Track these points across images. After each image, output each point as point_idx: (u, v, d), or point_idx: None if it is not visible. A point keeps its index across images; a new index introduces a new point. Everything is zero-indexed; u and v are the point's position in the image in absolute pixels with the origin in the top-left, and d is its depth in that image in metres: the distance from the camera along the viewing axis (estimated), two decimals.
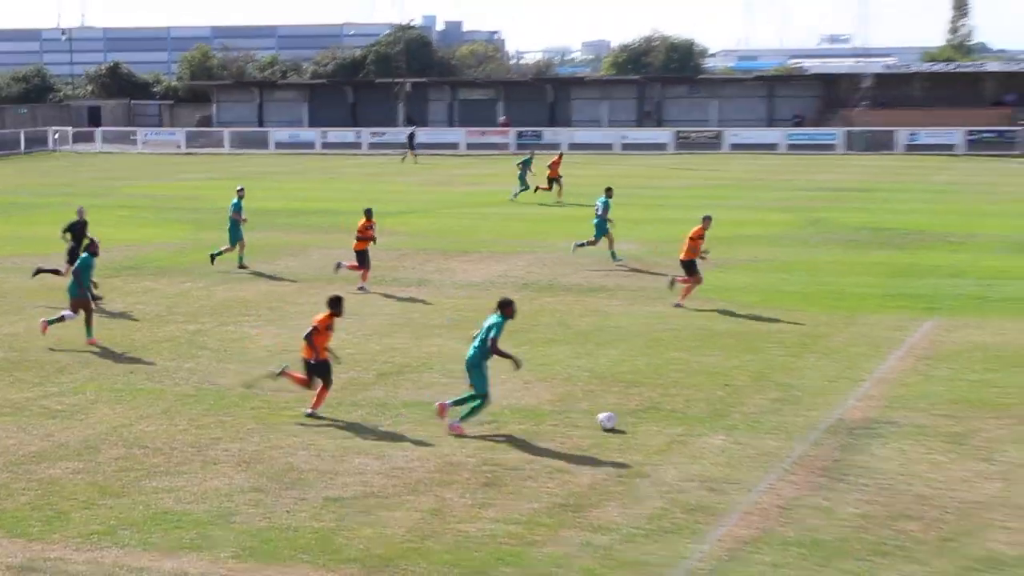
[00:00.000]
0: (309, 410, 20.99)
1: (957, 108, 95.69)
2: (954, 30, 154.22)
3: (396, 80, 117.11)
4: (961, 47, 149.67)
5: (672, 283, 31.34)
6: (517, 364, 20.24)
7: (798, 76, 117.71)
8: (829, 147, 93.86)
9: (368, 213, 34.15)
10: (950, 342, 26.64)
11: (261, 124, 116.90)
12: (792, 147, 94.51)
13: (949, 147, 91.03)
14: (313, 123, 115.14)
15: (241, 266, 36.86)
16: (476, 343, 20.01)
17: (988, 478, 17.73)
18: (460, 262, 33.88)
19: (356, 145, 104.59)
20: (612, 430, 19.93)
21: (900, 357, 25.30)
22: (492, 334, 19.76)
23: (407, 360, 25.14)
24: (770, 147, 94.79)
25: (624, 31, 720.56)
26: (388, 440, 19.69)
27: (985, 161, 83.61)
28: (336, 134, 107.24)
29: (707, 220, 31.11)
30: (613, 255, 37.86)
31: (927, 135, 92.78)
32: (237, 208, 36.96)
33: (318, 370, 20.93)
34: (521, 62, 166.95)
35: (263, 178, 74.16)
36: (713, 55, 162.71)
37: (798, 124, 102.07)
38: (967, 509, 16.47)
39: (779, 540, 15.37)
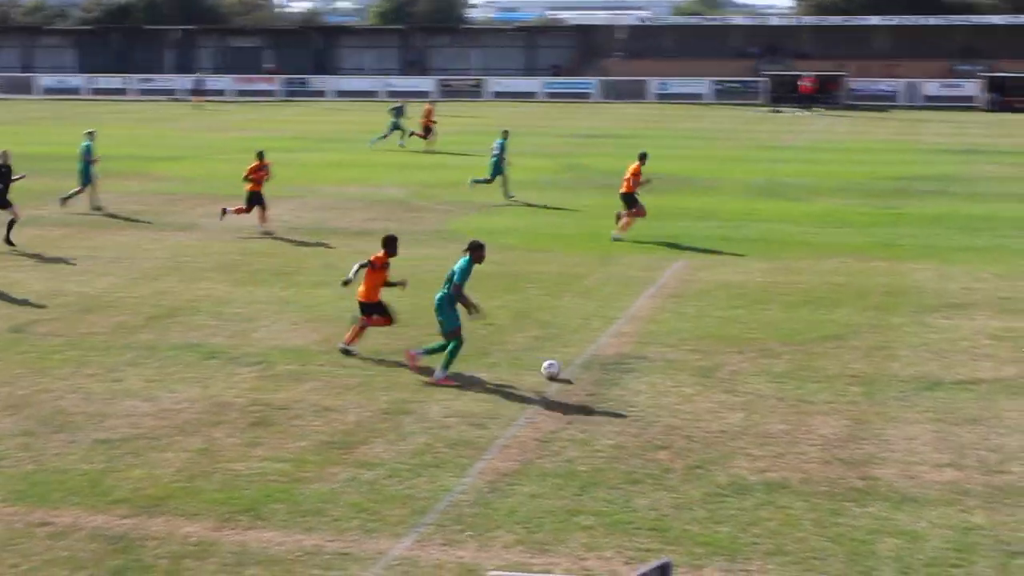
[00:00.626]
0: (343, 345, 20.87)
1: (705, 59, 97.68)
2: None
3: (165, 28, 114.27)
4: (709, 2, 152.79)
5: (618, 218, 32.66)
6: (479, 311, 19.87)
7: (556, 27, 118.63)
8: (585, 96, 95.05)
9: (260, 155, 33.67)
10: (698, 281, 27.32)
11: (28, 70, 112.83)
12: (551, 95, 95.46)
13: (698, 96, 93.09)
14: (83, 69, 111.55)
15: (95, 208, 36.67)
16: (444, 287, 19.51)
17: (732, 408, 18.28)
18: (230, 207, 33.30)
19: (124, 91, 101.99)
20: (556, 378, 19.64)
21: (651, 296, 25.84)
22: (457, 279, 19.25)
23: (176, 303, 24.70)
24: (529, 95, 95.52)
25: None
26: (157, 382, 19.36)
27: (731, 110, 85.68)
28: (105, 80, 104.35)
29: (643, 157, 33.00)
30: (506, 193, 39.29)
31: (678, 85, 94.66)
32: (88, 151, 36.52)
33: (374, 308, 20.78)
34: (288, 10, 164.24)
35: (28, 123, 71.85)
36: (475, 5, 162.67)
37: (556, 73, 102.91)
38: (713, 438, 16.96)
39: (538, 472, 15.61)
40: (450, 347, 19.51)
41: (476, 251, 19.46)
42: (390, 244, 20.65)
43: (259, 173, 33.11)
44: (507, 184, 39.51)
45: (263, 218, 33.10)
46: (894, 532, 13.84)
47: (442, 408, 18.14)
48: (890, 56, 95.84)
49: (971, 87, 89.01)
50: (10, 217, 30.87)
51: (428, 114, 57.07)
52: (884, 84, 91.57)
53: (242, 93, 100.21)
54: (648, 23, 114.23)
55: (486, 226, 33.50)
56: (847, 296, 25.71)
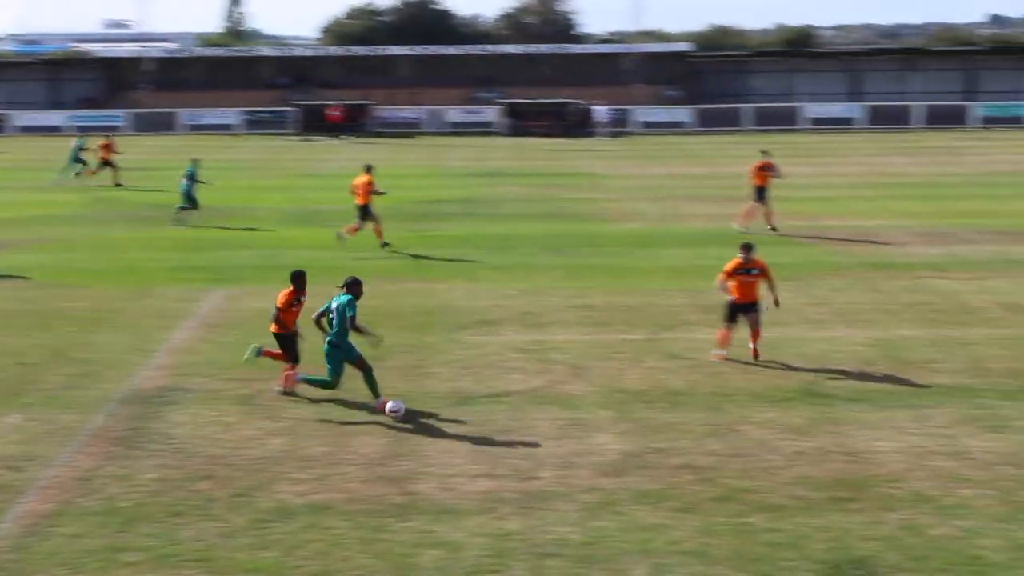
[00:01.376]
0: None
1: (236, 90, 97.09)
2: (230, 17, 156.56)
3: None
4: (237, 33, 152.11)
5: (339, 236, 35.23)
6: (377, 337, 20.04)
7: (82, 59, 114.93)
8: (114, 128, 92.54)
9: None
10: (235, 310, 27.09)
11: None
12: (81, 128, 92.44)
13: (228, 127, 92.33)
14: None
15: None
16: (334, 327, 19.31)
17: (274, 434, 18.21)
18: None
19: None
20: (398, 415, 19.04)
21: (190, 327, 25.43)
22: (349, 313, 19.26)
23: None
24: (55, 129, 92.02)
25: None
26: None
27: (262, 139, 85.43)
28: None
29: (370, 168, 35.87)
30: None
31: (208, 116, 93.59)
32: None
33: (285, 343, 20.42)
34: None
35: None
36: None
37: (88, 106, 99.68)
38: (256, 465, 16.84)
39: (78, 511, 15.08)
40: (322, 382, 19.73)
41: (354, 287, 19.63)
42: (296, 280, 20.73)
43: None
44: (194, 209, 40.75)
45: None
46: (435, 544, 14.13)
47: None
48: (414, 84, 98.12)
49: (491, 113, 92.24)
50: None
51: (106, 149, 54.00)
52: (409, 112, 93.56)
53: None
54: (176, 55, 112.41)
55: (14, 264, 32.10)
56: (383, 317, 25.99)
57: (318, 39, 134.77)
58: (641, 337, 24.10)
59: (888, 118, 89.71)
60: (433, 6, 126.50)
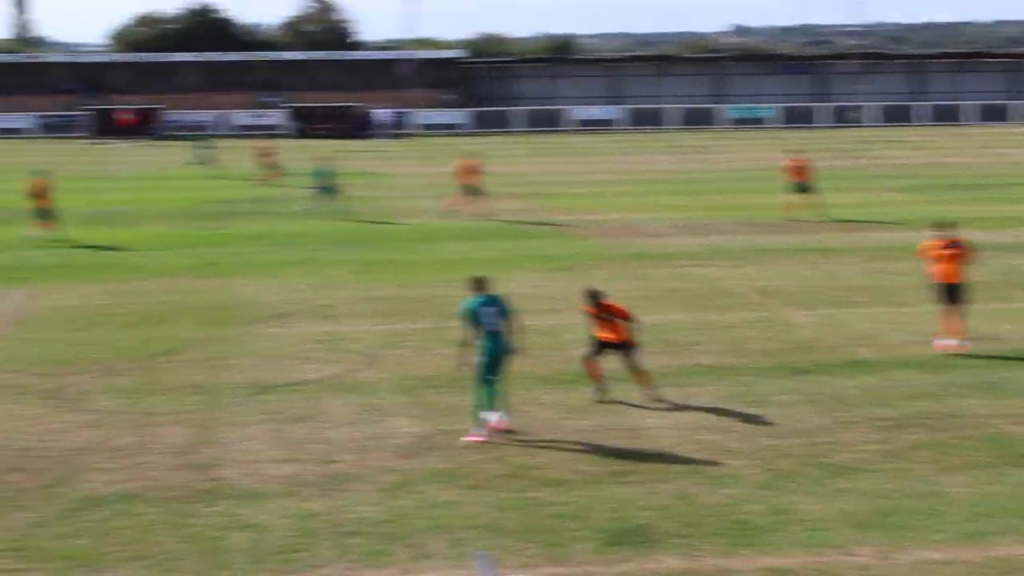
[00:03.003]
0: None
1: (27, 95, 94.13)
2: (17, 23, 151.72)
3: None
4: (25, 40, 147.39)
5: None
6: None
7: None
8: None
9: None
10: (38, 308, 26.33)
11: None
12: None
13: (19, 131, 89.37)
14: None
15: None
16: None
17: (82, 427, 17.75)
18: None
19: None
20: None
21: None
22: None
23: None
24: None
25: None
26: None
27: (55, 143, 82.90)
28: None
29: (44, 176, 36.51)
30: None
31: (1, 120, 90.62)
32: None
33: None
34: None
35: None
36: None
37: None
38: (66, 456, 16.40)
39: None
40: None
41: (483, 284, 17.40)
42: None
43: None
44: None
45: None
46: (242, 526, 13.97)
47: None
48: (201, 90, 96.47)
49: (277, 116, 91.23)
50: None
51: None
52: (198, 115, 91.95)
53: None
54: None
55: None
56: (181, 313, 25.66)
57: (107, 46, 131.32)
58: (428, 326, 24.19)
59: (646, 119, 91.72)
60: (214, 15, 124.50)
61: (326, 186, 42.62)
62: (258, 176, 54.73)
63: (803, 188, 39.71)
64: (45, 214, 36.00)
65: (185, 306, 26.29)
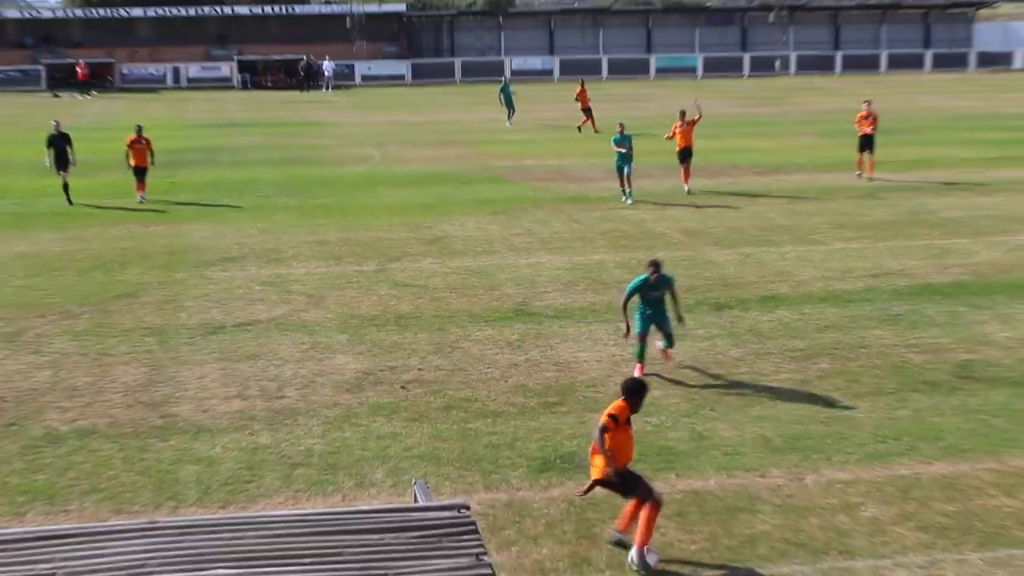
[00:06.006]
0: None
1: None
2: None
3: None
4: None
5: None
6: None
7: None
8: None
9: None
10: None
11: None
12: None
13: None
14: None
15: None
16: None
17: (40, 368, 17.67)
18: None
19: None
20: None
21: None
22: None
23: None
24: None
25: None
26: None
27: (14, 96, 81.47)
28: None
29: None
30: None
31: None
32: None
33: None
34: None
35: None
36: None
37: None
38: (24, 396, 16.34)
39: None
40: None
41: (653, 266, 16.57)
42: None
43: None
44: None
45: None
46: (193, 460, 14.01)
47: None
48: (154, 44, 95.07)
49: (227, 69, 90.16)
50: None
51: None
52: (152, 68, 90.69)
53: None
54: None
55: None
56: (134, 258, 25.48)
57: (60, 2, 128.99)
58: (371, 268, 24.18)
59: (580, 70, 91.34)
60: None
61: None
62: None
63: (870, 142, 35.54)
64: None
65: (140, 252, 26.11)
